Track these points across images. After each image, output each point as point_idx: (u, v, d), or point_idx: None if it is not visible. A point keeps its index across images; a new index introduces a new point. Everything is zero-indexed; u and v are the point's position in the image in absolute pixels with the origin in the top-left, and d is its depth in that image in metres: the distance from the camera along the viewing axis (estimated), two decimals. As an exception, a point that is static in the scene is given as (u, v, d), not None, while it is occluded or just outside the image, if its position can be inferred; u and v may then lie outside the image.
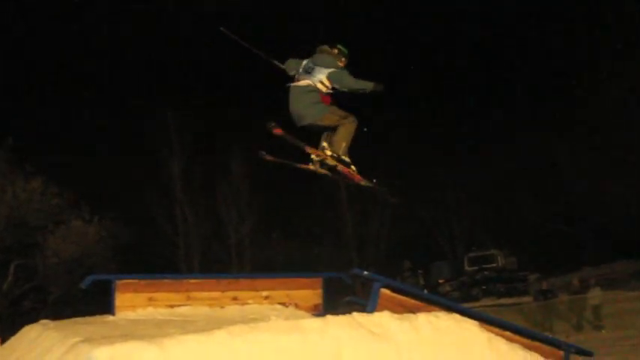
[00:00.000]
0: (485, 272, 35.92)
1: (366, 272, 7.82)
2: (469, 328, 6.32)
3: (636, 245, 40.39)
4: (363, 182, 8.74)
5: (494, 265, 36.74)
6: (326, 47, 8.38)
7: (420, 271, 39.39)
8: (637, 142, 35.34)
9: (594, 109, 36.93)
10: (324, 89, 8.19)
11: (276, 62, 8.67)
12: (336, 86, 8.22)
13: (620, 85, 35.90)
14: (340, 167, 8.38)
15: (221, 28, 8.57)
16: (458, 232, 46.98)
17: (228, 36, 8.54)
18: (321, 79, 8.15)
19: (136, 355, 4.88)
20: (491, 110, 46.60)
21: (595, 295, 24.22)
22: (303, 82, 8.20)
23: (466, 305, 30.79)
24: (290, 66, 8.56)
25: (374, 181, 8.96)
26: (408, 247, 43.62)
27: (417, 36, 53.54)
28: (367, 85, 8.16)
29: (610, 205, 37.47)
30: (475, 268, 36.70)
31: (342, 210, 42.92)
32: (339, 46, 8.38)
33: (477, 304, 31.42)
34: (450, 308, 6.95)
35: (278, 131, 8.12)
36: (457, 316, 6.47)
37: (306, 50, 8.57)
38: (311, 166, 8.44)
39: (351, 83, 8.16)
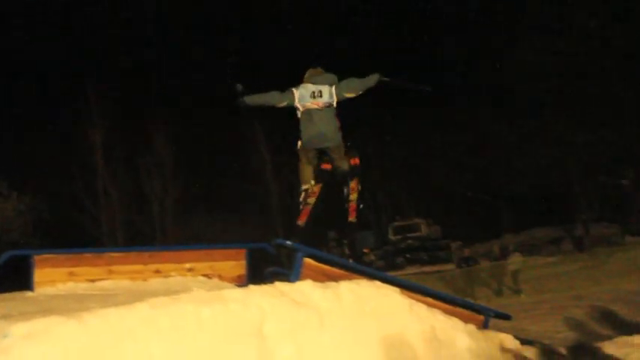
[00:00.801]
0: (409, 241, 36.43)
1: (288, 242, 7.83)
2: (390, 294, 6.41)
3: (553, 212, 41.64)
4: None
5: (418, 234, 37.27)
6: (316, 70, 8.57)
7: (345, 241, 39.60)
8: (550, 112, 36.13)
9: (507, 79, 37.61)
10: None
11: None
12: (347, 96, 8.37)
13: (533, 54, 36.56)
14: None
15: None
16: (382, 202, 47.50)
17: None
18: (332, 98, 8.34)
19: (55, 330, 4.77)
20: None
21: (514, 261, 24.83)
22: (322, 104, 8.33)
23: (391, 274, 31.32)
24: (277, 98, 8.57)
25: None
26: (333, 218, 43.85)
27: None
28: (373, 79, 8.39)
29: (529, 173, 38.34)
30: (399, 237, 37.19)
31: (268, 182, 42.89)
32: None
33: (401, 272, 31.88)
34: (371, 276, 7.04)
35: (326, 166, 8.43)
36: (379, 283, 6.56)
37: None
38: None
39: (361, 85, 8.40)
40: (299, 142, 8.62)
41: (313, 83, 8.37)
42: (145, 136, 39.30)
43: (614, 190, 40.08)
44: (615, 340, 7.43)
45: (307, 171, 8.88)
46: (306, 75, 8.57)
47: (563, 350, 7.06)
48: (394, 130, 44.89)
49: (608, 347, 7.01)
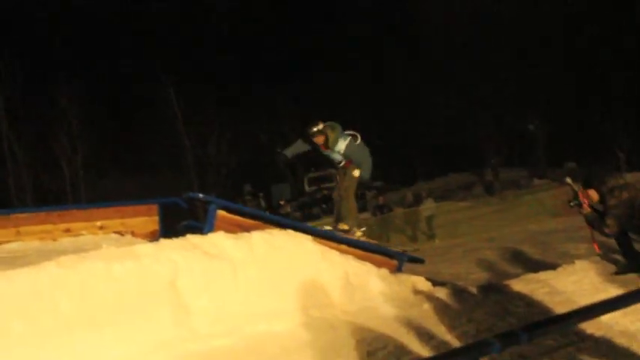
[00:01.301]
0: (325, 192, 36.51)
1: (201, 195, 7.76)
2: (303, 243, 6.45)
3: (465, 159, 42.53)
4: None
5: (333, 184, 37.39)
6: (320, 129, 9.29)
7: (261, 194, 39.66)
8: (459, 63, 36.62)
9: (420, 30, 37.92)
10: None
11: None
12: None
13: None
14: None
15: None
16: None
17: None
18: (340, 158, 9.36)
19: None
20: (322, 29, 46.45)
21: (428, 207, 25.23)
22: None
23: (309, 224, 31.43)
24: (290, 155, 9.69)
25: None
26: (248, 171, 43.82)
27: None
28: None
29: (440, 122, 38.92)
30: (315, 188, 37.28)
31: (180, 137, 42.36)
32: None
33: (318, 222, 32.04)
34: (284, 225, 7.04)
35: None
36: (291, 232, 6.58)
37: None
38: None
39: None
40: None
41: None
42: (50, 94, 38.16)
43: (521, 135, 41.10)
44: (522, 277, 7.67)
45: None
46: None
47: (473, 290, 7.25)
48: (312, 79, 44.67)
49: (516, 284, 7.23)
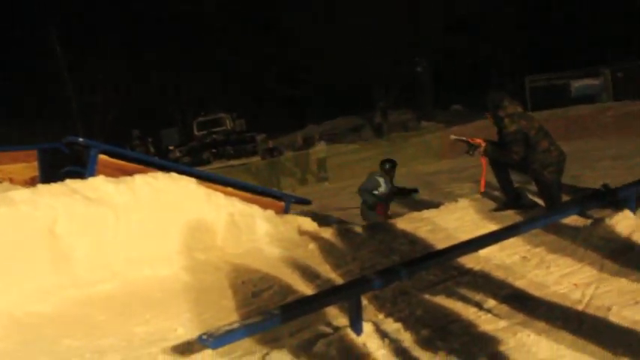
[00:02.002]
0: (214, 136, 36.19)
1: (80, 139, 7.51)
2: (187, 185, 6.35)
3: (354, 101, 42.81)
4: None
5: (223, 128, 37.06)
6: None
7: (149, 139, 38.95)
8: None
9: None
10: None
11: None
12: None
13: None
14: None
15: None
16: (186, 97, 46.73)
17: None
18: None
19: None
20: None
21: (318, 150, 25.38)
22: None
23: (199, 169, 31.12)
24: None
25: None
26: (136, 116, 42.87)
27: None
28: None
29: (329, 64, 38.84)
30: (204, 132, 36.83)
31: (65, 81, 40.94)
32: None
33: (208, 167, 31.80)
34: (167, 168, 6.92)
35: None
36: (175, 175, 6.46)
37: None
38: None
39: None
40: None
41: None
42: None
43: (409, 77, 41.57)
44: (407, 216, 7.81)
45: None
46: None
47: (359, 229, 7.34)
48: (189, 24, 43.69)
49: (401, 223, 7.36)
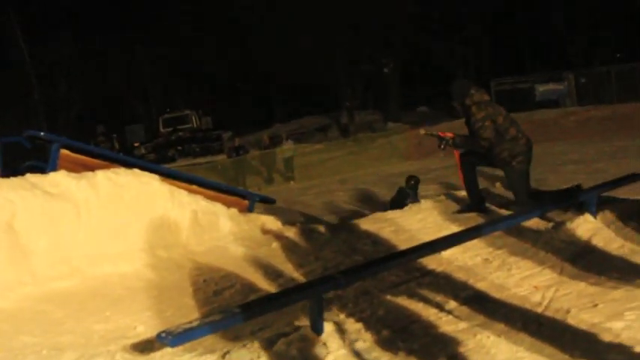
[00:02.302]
0: (180, 133, 35.94)
1: (42, 133, 7.41)
2: (150, 182, 6.30)
3: (321, 101, 42.87)
4: None
5: (189, 125, 36.85)
6: None
7: (114, 135, 38.62)
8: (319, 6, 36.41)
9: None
10: None
11: None
12: None
13: None
14: None
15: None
16: (152, 94, 46.45)
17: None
18: None
19: None
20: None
21: (285, 149, 25.29)
22: None
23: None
24: None
25: None
26: (101, 112, 42.51)
27: None
28: None
29: (295, 63, 38.80)
30: (170, 129, 36.56)
31: (29, 74, 40.40)
32: None
33: (173, 164, 31.56)
34: (130, 165, 6.84)
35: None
36: (137, 171, 6.40)
37: None
38: None
39: None
40: None
41: None
42: None
43: (376, 77, 41.69)
44: (371, 216, 7.84)
45: None
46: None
47: (322, 229, 7.35)
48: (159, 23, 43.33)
49: (365, 223, 7.38)
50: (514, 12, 39.43)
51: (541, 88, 30.91)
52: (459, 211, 7.46)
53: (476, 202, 7.42)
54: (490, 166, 7.41)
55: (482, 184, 7.72)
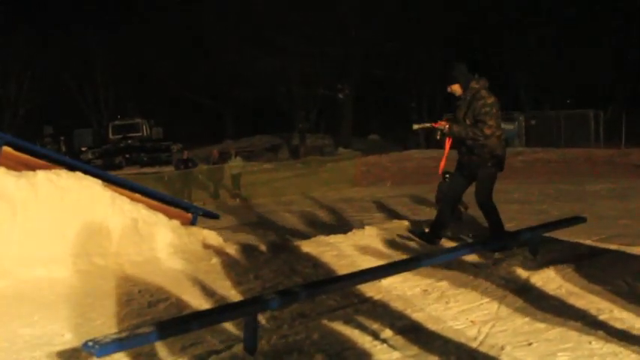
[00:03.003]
0: (129, 141, 35.55)
1: (-15, 129, 7.22)
2: (92, 186, 6.16)
3: (274, 122, 42.91)
4: None
5: (139, 134, 36.51)
6: None
7: (62, 138, 38.08)
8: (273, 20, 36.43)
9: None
10: None
11: None
12: None
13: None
14: None
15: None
16: (104, 100, 45.96)
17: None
18: None
19: None
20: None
21: (234, 166, 25.11)
22: None
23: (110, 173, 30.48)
24: None
25: None
26: (50, 114, 41.91)
27: None
28: None
29: (252, 80, 38.79)
30: (119, 136, 36.15)
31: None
32: None
33: (120, 172, 31.18)
34: (73, 167, 6.69)
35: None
36: (80, 174, 6.25)
37: None
38: None
39: None
40: None
41: None
42: None
43: (330, 102, 41.86)
44: (313, 239, 7.79)
45: None
46: None
47: (264, 248, 7.28)
48: (117, 31, 42.93)
49: (306, 246, 7.34)
50: (469, 51, 40.14)
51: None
52: (412, 232, 7.46)
53: (436, 233, 7.28)
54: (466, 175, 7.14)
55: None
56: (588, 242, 7.56)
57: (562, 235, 7.33)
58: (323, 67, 36.83)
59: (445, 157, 7.29)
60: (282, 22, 35.93)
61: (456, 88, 6.90)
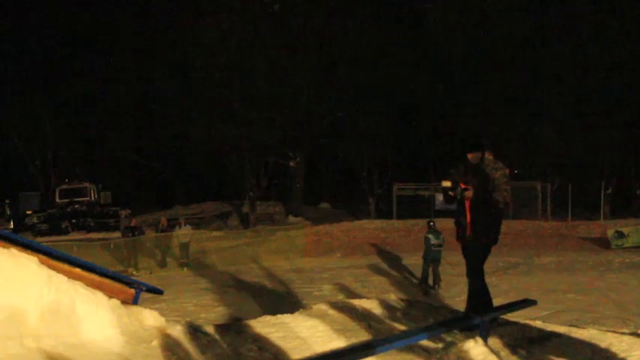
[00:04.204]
0: (77, 206, 35.06)
1: None
2: (27, 264, 5.82)
3: (224, 188, 42.70)
4: None
5: (86, 198, 36.03)
6: None
7: (7, 201, 37.35)
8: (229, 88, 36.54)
9: (189, 53, 37.59)
10: None
11: None
12: None
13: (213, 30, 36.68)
14: None
15: None
16: (52, 163, 45.35)
17: None
18: None
19: None
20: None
21: (182, 234, 24.74)
22: None
23: (56, 238, 29.86)
24: None
25: None
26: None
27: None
28: None
29: (202, 146, 38.73)
30: (66, 200, 35.60)
31: None
32: None
33: (66, 237, 30.62)
34: (10, 241, 6.35)
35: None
36: (15, 251, 5.92)
37: None
38: None
39: None
40: None
41: None
42: None
43: (281, 170, 41.86)
44: (260, 319, 7.56)
45: None
46: None
47: (209, 328, 7.01)
48: (66, 91, 42.57)
49: (253, 326, 7.10)
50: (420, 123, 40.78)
51: (441, 198, 31.58)
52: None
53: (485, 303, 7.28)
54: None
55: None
56: (538, 323, 7.52)
57: (512, 316, 7.29)
58: (274, 135, 36.86)
59: (469, 221, 7.24)
60: (235, 91, 36.06)
61: (475, 156, 7.10)
